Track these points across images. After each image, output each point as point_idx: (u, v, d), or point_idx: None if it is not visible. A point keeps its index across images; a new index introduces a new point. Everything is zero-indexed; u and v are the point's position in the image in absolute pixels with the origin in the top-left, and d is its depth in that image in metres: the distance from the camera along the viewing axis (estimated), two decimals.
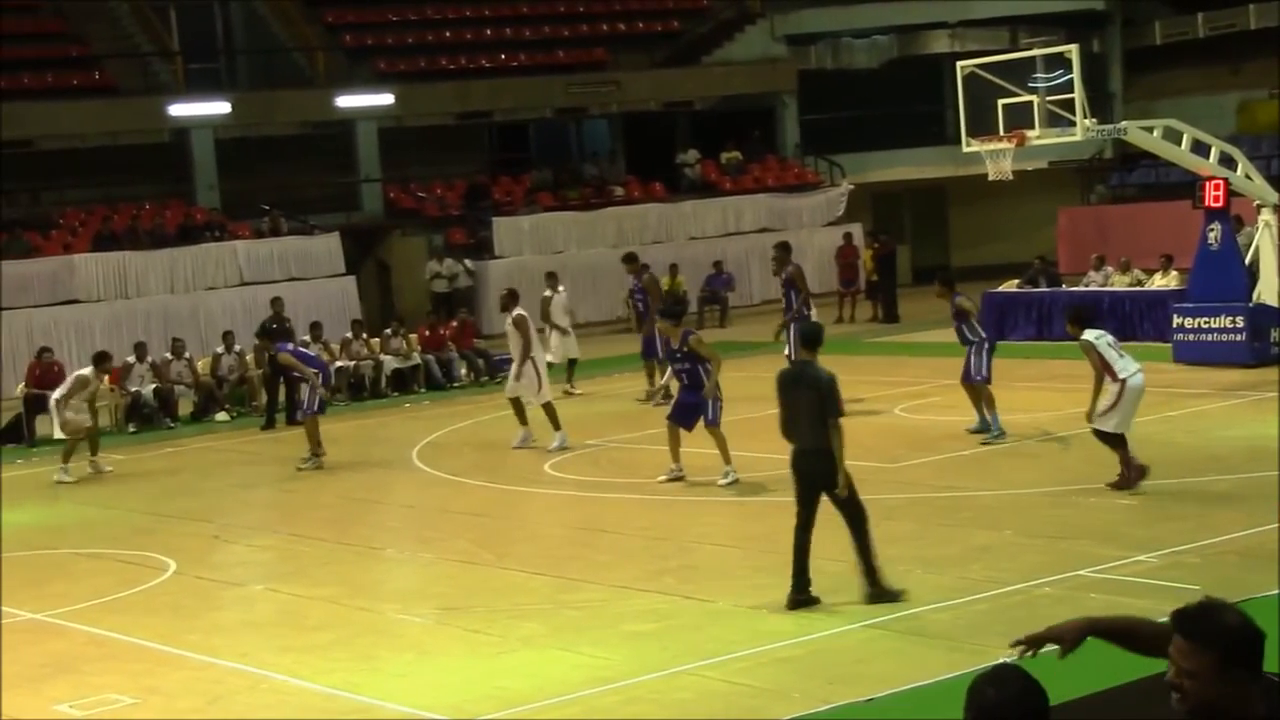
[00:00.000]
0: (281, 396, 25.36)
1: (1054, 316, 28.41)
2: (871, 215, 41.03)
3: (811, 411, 12.08)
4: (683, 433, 17.74)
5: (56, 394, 22.35)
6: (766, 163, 41.37)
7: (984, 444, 18.65)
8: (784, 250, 23.38)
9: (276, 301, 26.86)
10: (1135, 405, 15.43)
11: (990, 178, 25.02)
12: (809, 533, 12.16)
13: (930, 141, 40.88)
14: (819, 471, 12.11)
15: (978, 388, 19.14)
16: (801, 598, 12.14)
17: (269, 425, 25.08)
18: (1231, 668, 4.22)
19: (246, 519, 18.48)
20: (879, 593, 12.10)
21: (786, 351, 21.94)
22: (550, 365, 24.78)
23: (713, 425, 17.49)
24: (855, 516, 12.19)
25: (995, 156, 24.47)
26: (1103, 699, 9.00)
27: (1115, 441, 15.44)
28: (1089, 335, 15.61)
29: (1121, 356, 15.49)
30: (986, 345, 19.23)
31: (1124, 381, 15.35)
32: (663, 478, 17.75)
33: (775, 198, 39.55)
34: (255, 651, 12.25)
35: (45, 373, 25.56)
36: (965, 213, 42.56)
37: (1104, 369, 15.37)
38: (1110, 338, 15.66)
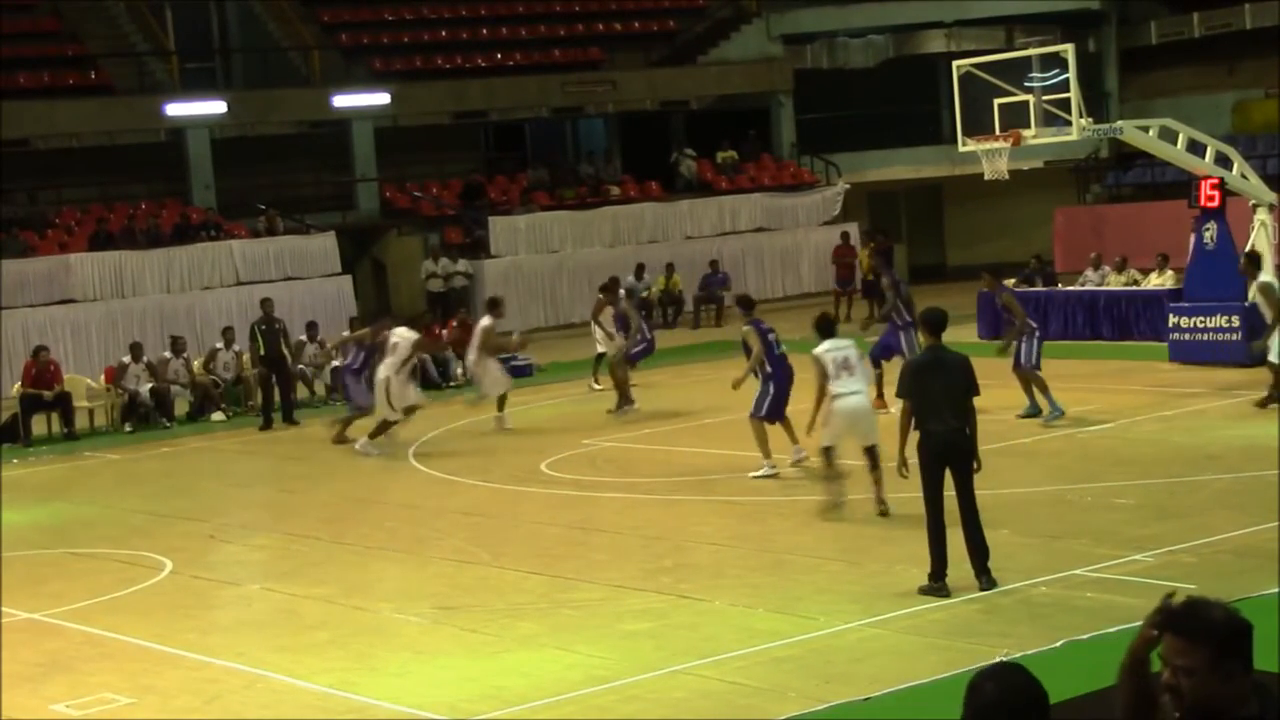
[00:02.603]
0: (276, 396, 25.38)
1: (1050, 316, 28.44)
2: (868, 214, 41.07)
3: (952, 393, 12.45)
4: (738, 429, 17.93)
5: (474, 354, 23.00)
6: (762, 162, 41.39)
7: (1044, 425, 19.56)
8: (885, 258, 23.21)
9: (266, 302, 26.47)
10: (847, 425, 15.55)
11: (986, 177, 25.04)
12: (940, 513, 12.41)
13: (926, 141, 40.93)
14: (956, 449, 12.42)
15: (1028, 374, 19.94)
16: (938, 587, 12.28)
17: (266, 425, 25.00)
18: (1225, 661, 4.25)
19: (243, 518, 18.47)
20: (984, 583, 12.35)
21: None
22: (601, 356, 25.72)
23: (752, 416, 17.82)
24: (972, 500, 12.48)
25: (991, 156, 24.47)
26: (1101, 697, 9.01)
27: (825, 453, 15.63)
28: (819, 348, 15.80)
29: (840, 376, 15.51)
30: (1037, 335, 20.15)
31: (834, 399, 15.53)
32: (758, 473, 17.65)
33: (771, 197, 39.57)
34: (251, 651, 12.25)
35: (41, 372, 25.54)
36: (961, 212, 42.60)
37: (822, 383, 15.63)
38: (846, 354, 15.58)
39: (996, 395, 19.28)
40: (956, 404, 12.46)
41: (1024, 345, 20.09)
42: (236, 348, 27.22)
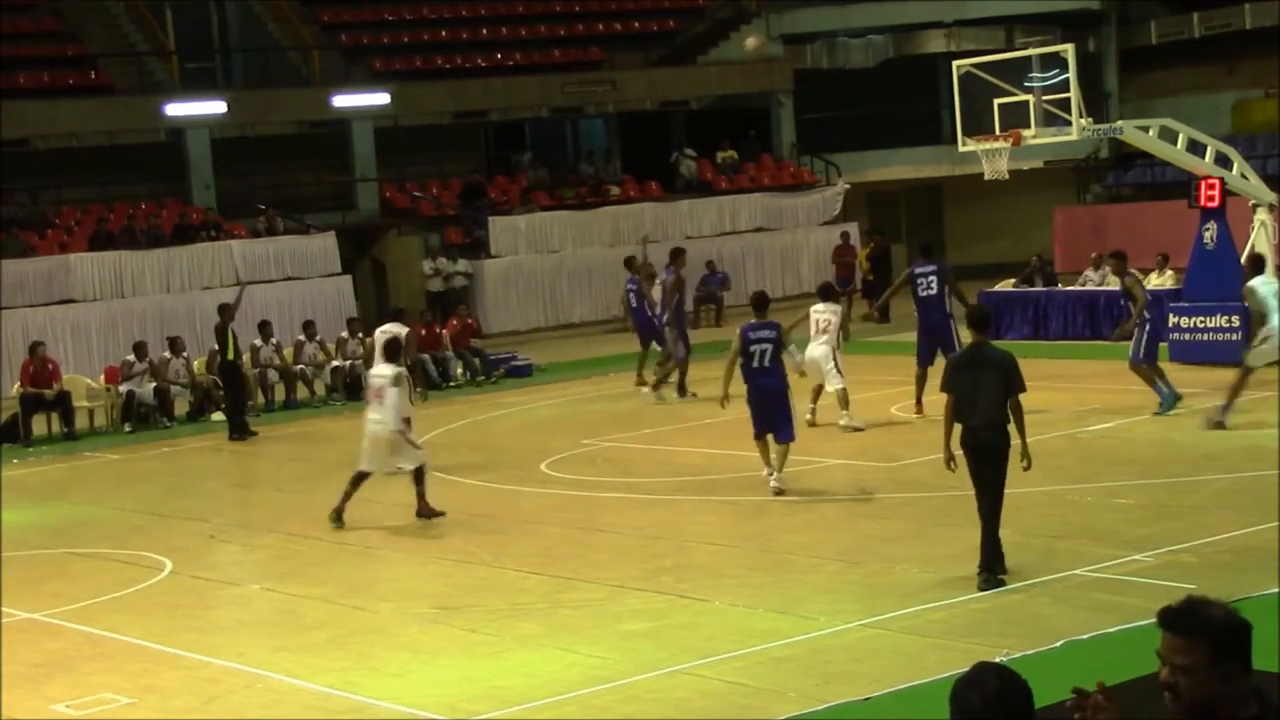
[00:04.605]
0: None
1: (1050, 316, 28.48)
2: (868, 214, 41.05)
3: (993, 389, 12.53)
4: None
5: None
6: (762, 162, 41.39)
7: (1156, 414, 19.59)
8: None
9: (225, 309, 25.00)
10: (366, 447, 16.72)
11: (986, 177, 25.04)
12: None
13: (926, 141, 40.94)
14: (995, 445, 12.52)
15: (1141, 369, 19.88)
16: (996, 575, 12.45)
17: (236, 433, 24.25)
18: (1223, 659, 4.25)
19: (242, 518, 18.45)
20: (997, 575, 12.46)
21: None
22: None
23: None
24: (998, 496, 12.54)
25: (991, 156, 24.48)
26: None
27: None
28: (371, 371, 17.05)
29: (372, 402, 16.65)
30: (1147, 326, 19.90)
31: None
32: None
33: (771, 197, 39.56)
34: (251, 651, 12.26)
35: (40, 370, 25.50)
36: (961, 212, 42.59)
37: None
38: (381, 383, 16.63)
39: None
40: (992, 401, 12.55)
41: (1135, 337, 20.03)
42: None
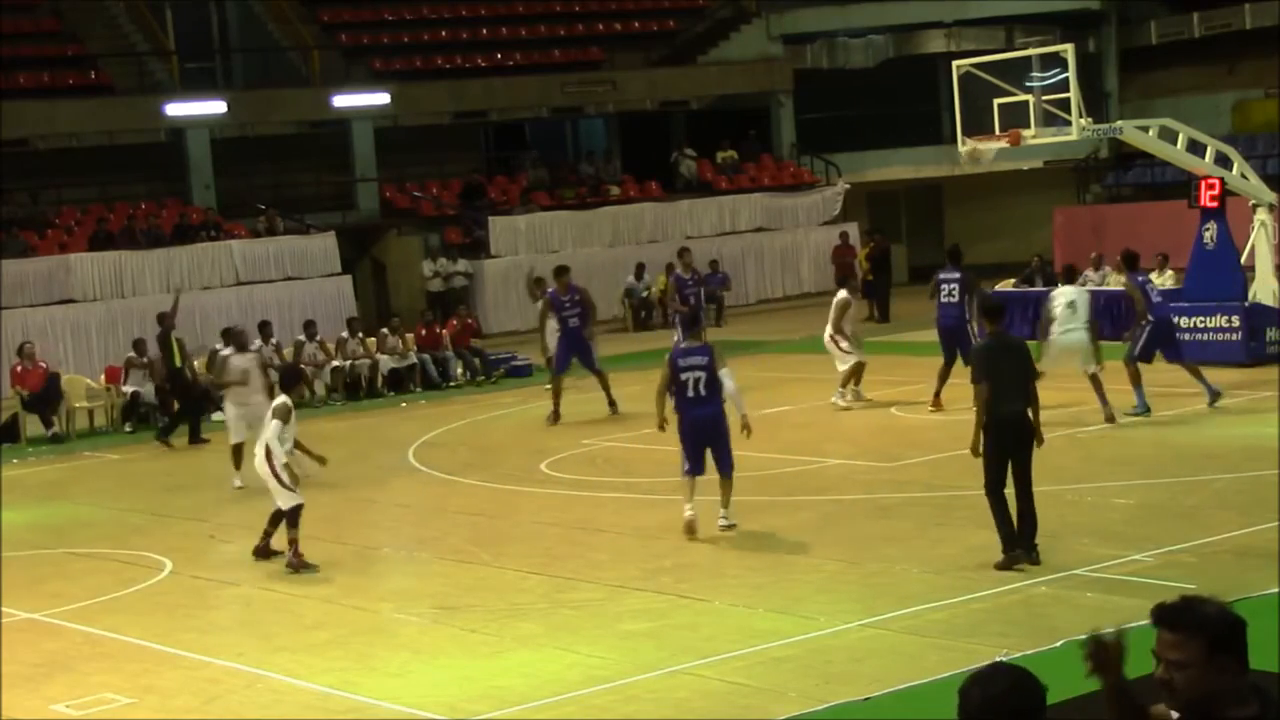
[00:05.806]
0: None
1: None
2: (868, 214, 41.06)
3: (1017, 376, 12.99)
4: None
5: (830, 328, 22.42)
6: (762, 162, 41.39)
7: (1129, 414, 19.68)
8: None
9: (163, 317, 24.83)
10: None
11: (963, 160, 25.13)
12: (1003, 491, 12.97)
13: (926, 141, 40.95)
14: (1025, 428, 12.98)
15: (1130, 368, 20.03)
16: (1015, 556, 12.86)
17: (167, 438, 23.93)
18: (1218, 654, 4.26)
19: (242, 518, 18.40)
20: (1034, 558, 12.93)
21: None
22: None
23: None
24: (1029, 479, 12.95)
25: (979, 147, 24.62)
26: (1098, 699, 9.00)
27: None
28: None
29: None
30: (1148, 328, 20.10)
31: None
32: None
33: (771, 197, 39.57)
34: (251, 651, 12.26)
35: (33, 370, 25.44)
36: (961, 212, 42.60)
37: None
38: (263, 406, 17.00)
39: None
40: (1020, 386, 12.99)
41: (1134, 336, 20.33)
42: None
